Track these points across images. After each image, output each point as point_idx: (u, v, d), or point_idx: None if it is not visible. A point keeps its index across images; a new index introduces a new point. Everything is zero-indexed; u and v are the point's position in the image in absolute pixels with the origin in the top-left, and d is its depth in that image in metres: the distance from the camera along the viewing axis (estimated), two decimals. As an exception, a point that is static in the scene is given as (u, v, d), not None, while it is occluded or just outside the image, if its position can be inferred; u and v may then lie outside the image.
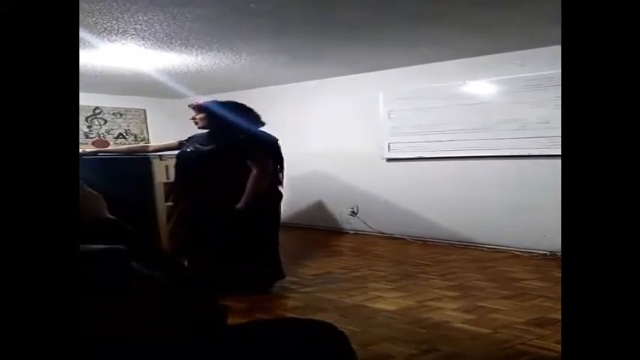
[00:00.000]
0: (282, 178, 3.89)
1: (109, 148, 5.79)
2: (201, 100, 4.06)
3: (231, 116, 3.75)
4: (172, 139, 4.17)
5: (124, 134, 7.65)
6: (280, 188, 3.90)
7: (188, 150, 3.84)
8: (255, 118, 3.83)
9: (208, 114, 3.77)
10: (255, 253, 3.74)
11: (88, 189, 2.83)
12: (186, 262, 3.69)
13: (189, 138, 3.96)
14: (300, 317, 3.10)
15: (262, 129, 3.86)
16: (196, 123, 3.84)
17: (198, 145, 3.80)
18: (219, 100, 3.91)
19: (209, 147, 3.73)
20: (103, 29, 3.85)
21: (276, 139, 3.90)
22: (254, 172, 3.63)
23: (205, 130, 3.84)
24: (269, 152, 3.79)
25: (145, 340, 1.20)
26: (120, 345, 1.15)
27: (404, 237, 5.86)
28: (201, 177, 3.71)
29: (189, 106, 3.93)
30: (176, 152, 4.04)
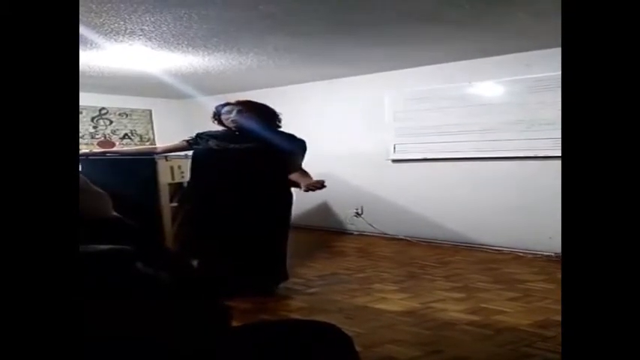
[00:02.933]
0: None
1: (115, 149, 5.80)
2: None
3: (264, 116, 3.74)
4: (177, 141, 4.03)
5: (130, 135, 7.68)
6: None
7: (214, 148, 3.71)
8: (278, 120, 3.84)
9: (247, 113, 3.70)
10: (262, 254, 3.72)
11: (94, 187, 2.85)
12: (195, 263, 3.68)
13: (200, 136, 3.82)
14: (304, 319, 3.10)
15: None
16: (218, 121, 3.77)
17: (222, 143, 3.70)
18: (241, 99, 3.86)
19: (243, 145, 3.64)
20: (110, 30, 3.86)
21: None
22: (297, 173, 3.65)
23: (221, 128, 3.77)
24: (304, 153, 3.82)
25: (147, 341, 1.20)
26: (121, 345, 1.15)
27: (408, 238, 5.85)
28: (229, 175, 3.62)
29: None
30: (183, 152, 4.02)
